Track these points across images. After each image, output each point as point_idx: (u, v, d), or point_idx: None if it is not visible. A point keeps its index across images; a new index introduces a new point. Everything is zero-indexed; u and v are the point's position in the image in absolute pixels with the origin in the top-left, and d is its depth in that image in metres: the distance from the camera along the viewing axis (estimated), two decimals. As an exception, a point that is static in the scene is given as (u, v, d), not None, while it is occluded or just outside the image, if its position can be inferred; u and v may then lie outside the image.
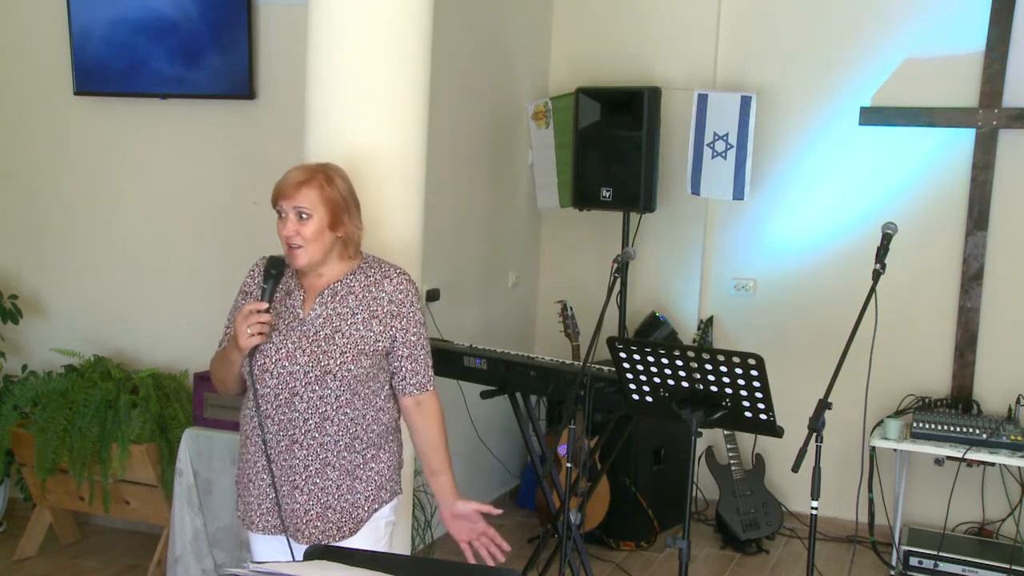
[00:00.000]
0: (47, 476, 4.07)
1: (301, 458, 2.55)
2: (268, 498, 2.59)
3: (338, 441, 2.55)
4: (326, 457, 2.55)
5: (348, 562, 1.76)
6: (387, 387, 2.65)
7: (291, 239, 2.51)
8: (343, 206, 2.55)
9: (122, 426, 4.05)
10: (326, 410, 2.53)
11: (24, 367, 4.68)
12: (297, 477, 2.56)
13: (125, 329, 4.71)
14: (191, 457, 3.93)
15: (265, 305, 2.49)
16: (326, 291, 2.57)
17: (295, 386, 2.51)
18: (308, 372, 2.50)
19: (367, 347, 2.54)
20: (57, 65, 4.65)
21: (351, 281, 2.58)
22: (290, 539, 2.56)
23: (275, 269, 2.54)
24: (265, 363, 2.52)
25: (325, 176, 2.54)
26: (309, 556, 1.85)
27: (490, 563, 2.58)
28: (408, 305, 2.60)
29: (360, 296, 2.57)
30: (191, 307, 4.51)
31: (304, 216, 2.50)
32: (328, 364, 2.50)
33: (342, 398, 2.53)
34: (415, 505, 3.91)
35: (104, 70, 4.52)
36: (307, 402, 2.52)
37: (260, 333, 2.47)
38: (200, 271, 4.53)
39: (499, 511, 2.64)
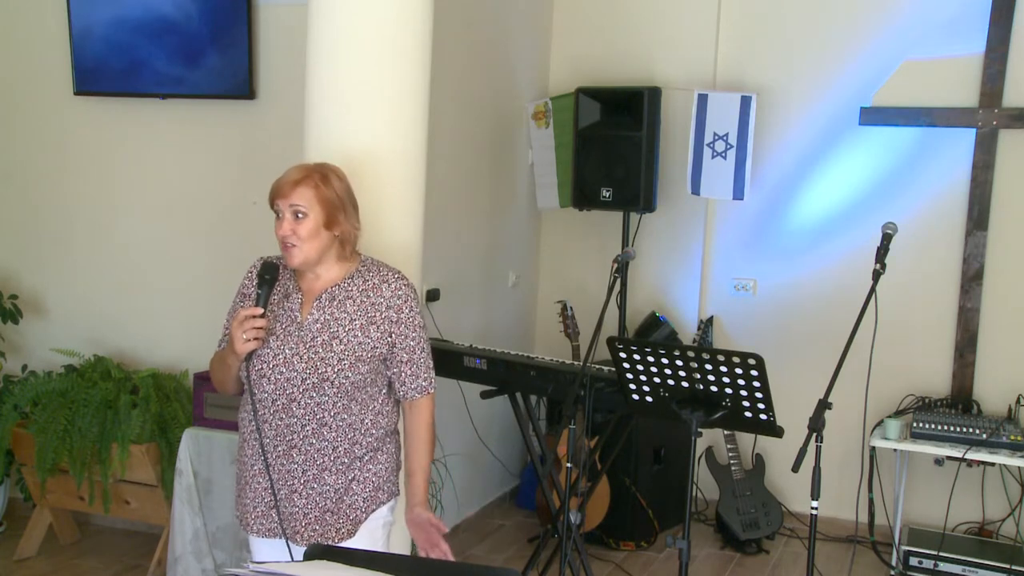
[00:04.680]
0: (47, 476, 4.07)
1: (299, 463, 2.54)
2: (264, 501, 2.59)
3: (336, 447, 2.55)
4: (323, 462, 2.55)
5: (348, 562, 1.76)
6: (385, 391, 2.64)
7: (287, 238, 2.50)
8: (339, 205, 2.55)
9: (122, 426, 4.05)
10: (323, 416, 2.52)
11: (24, 367, 4.68)
12: (295, 481, 2.56)
13: (125, 329, 4.71)
14: (191, 457, 3.93)
15: (260, 311, 2.48)
16: (324, 295, 2.56)
17: (292, 392, 2.51)
18: (305, 379, 2.50)
19: (365, 354, 2.54)
20: (57, 65, 4.65)
21: (349, 285, 2.58)
22: (289, 542, 2.56)
23: (268, 274, 2.53)
24: (263, 368, 2.52)
25: (321, 175, 2.55)
26: (309, 556, 1.85)
27: None
28: (407, 310, 2.59)
29: (358, 301, 2.56)
30: (191, 307, 4.51)
31: (300, 215, 2.50)
32: (325, 371, 2.50)
33: (339, 404, 2.53)
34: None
35: (104, 70, 4.52)
36: (304, 408, 2.51)
37: (256, 338, 2.47)
38: (200, 271, 4.53)
39: (445, 529, 2.63)
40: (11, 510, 4.75)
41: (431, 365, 2.68)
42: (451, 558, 2.63)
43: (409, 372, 2.62)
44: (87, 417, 4.07)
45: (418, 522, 2.62)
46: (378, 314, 2.56)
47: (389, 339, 2.57)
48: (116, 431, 4.05)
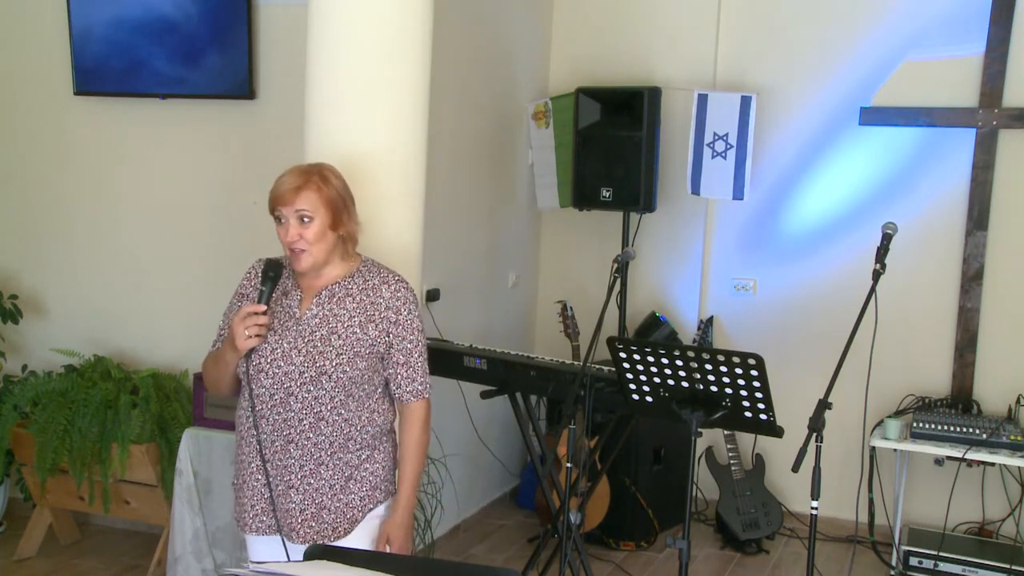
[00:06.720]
0: (47, 476, 4.07)
1: (296, 458, 2.56)
2: (263, 498, 2.60)
3: (332, 442, 2.56)
4: (320, 457, 2.56)
5: (348, 562, 1.76)
6: (381, 389, 2.65)
7: (295, 243, 2.51)
8: (341, 204, 2.57)
9: (122, 426, 4.05)
10: (320, 411, 2.54)
11: (24, 367, 4.68)
12: (292, 476, 2.57)
13: (125, 329, 4.70)
14: (191, 457, 3.93)
15: (263, 307, 2.51)
16: (324, 292, 2.58)
17: (290, 386, 2.52)
18: (303, 372, 2.51)
19: (363, 349, 2.55)
20: (57, 65, 4.64)
21: (349, 284, 2.60)
22: (285, 539, 2.56)
23: (273, 271, 2.55)
24: (260, 363, 2.53)
25: (320, 176, 2.55)
26: (309, 556, 1.85)
27: None
28: (405, 312, 2.60)
29: (358, 299, 2.58)
30: (191, 307, 4.51)
31: (306, 219, 2.51)
32: (324, 365, 2.51)
33: (336, 399, 2.54)
34: (415, 505, 3.90)
35: (104, 70, 4.52)
36: (302, 402, 2.53)
37: (258, 335, 2.49)
38: (200, 271, 4.53)
39: (403, 551, 2.67)
40: (11, 510, 4.75)
41: (427, 370, 2.68)
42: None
43: (405, 375, 2.63)
44: (87, 417, 4.07)
45: (386, 532, 2.66)
46: (377, 313, 2.58)
47: (387, 338, 2.59)
48: (116, 431, 4.05)
